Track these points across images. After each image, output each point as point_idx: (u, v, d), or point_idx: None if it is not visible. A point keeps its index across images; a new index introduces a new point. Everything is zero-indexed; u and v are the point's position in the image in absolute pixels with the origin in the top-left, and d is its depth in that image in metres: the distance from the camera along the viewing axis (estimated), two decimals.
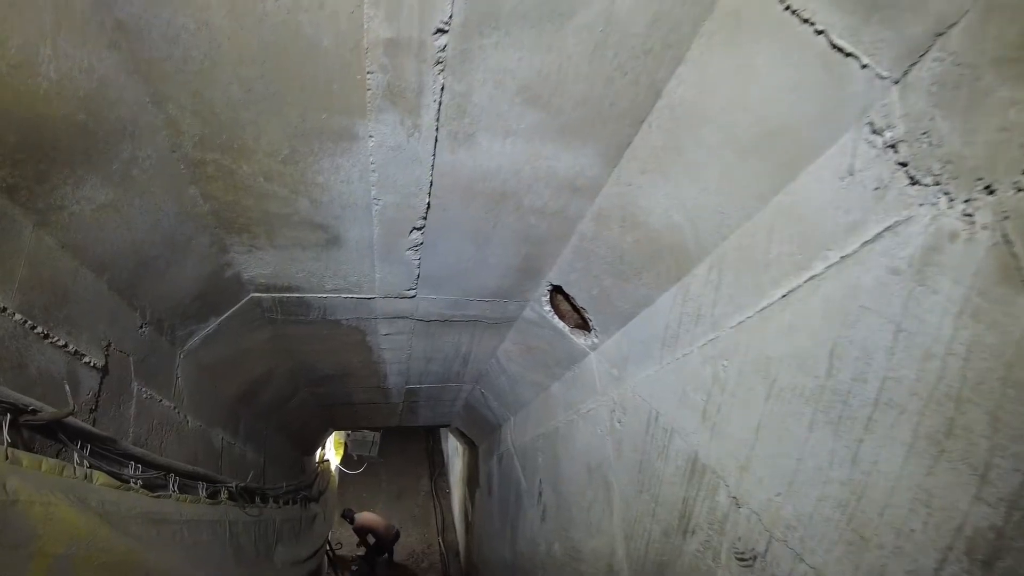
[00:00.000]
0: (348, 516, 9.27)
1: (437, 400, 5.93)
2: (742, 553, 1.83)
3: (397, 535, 9.31)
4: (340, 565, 8.47)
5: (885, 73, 1.26)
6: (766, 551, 1.72)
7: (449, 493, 11.01)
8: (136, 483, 2.19)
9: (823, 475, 1.51)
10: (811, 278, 1.58)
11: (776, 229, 1.69)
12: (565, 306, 3.33)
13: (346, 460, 10.49)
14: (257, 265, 2.75)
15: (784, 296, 1.68)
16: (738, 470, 1.87)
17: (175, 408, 2.90)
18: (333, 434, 9.03)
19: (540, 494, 4.35)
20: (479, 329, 3.87)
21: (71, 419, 1.74)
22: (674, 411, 2.33)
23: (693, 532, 2.15)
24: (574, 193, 2.31)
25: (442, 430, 12.55)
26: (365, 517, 9.24)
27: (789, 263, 1.65)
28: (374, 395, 5.46)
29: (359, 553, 9.32)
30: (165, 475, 2.59)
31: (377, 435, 9.06)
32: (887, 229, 1.32)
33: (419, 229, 2.54)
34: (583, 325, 3.24)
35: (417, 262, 2.86)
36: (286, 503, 5.08)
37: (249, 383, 3.91)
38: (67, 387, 1.85)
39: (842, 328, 1.46)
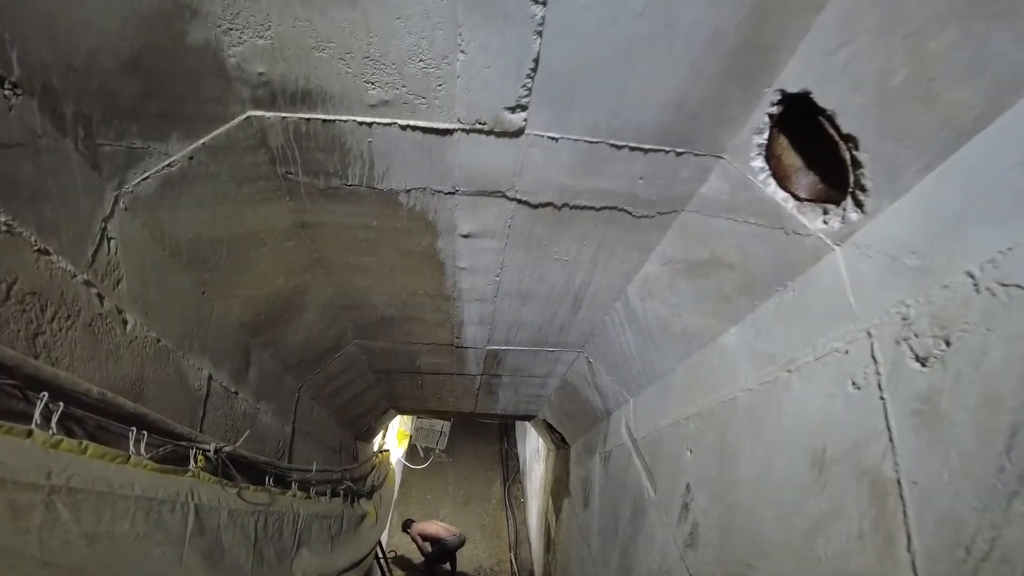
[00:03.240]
0: (407, 527, 8.06)
1: (526, 376, 4.48)
2: None
3: (463, 541, 7.96)
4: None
5: None
6: None
7: (525, 504, 9.53)
8: None
9: None
10: None
11: None
12: (792, 158, 1.80)
13: (409, 454, 9.28)
14: (248, 29, 1.44)
15: None
16: None
17: (95, 290, 1.62)
18: (396, 422, 7.80)
19: (686, 506, 2.78)
20: (615, 231, 2.39)
21: None
22: None
23: None
24: None
25: (519, 431, 11.12)
26: (424, 525, 7.97)
27: None
28: (445, 359, 4.09)
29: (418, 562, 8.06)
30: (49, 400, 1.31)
31: (446, 425, 7.75)
32: None
33: None
34: (833, 190, 1.69)
35: (540, 19, 1.44)
36: (320, 494, 3.79)
37: (265, 302, 2.63)
38: None
39: None
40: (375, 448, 6.50)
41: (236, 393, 2.65)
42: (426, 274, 2.78)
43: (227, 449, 2.19)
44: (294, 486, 3.22)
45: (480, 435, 11.65)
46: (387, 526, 8.26)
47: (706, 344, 2.66)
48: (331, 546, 3.81)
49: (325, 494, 3.94)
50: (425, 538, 7.89)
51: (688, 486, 2.78)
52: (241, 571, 2.39)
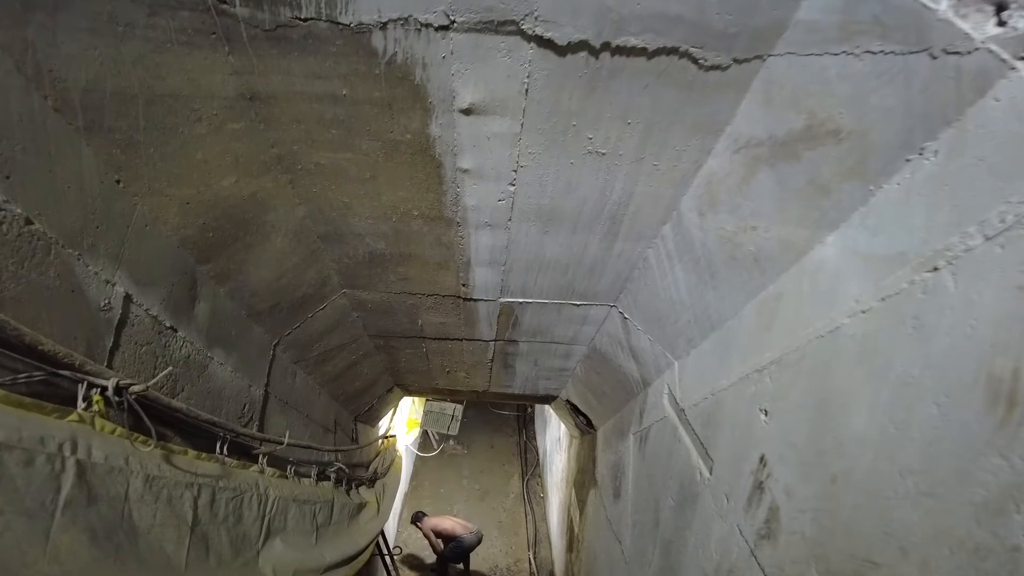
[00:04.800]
0: (417, 520, 7.44)
1: (547, 341, 3.83)
2: None
3: (480, 539, 7.34)
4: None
5: None
6: None
7: (544, 499, 8.87)
8: None
9: None
10: None
11: None
12: None
13: (421, 444, 8.70)
14: None
15: None
16: None
17: None
18: (405, 407, 7.21)
19: (759, 486, 2.10)
20: (671, 97, 1.73)
21: None
22: None
23: None
24: None
25: (539, 424, 10.47)
26: (439, 520, 7.35)
27: None
28: (451, 318, 3.46)
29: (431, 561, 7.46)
30: None
31: (459, 409, 7.13)
32: None
33: None
34: None
35: None
36: (302, 475, 3.19)
37: (211, 211, 2.02)
38: None
39: None
40: (380, 433, 5.91)
41: (174, 330, 2.05)
42: (419, 182, 2.15)
43: (136, 388, 1.58)
44: (262, 460, 2.62)
45: (497, 426, 11.03)
46: (394, 519, 7.67)
47: (789, 267, 1.98)
48: (315, 537, 3.21)
49: (310, 475, 3.35)
50: (439, 534, 7.28)
51: (763, 459, 2.10)
52: (168, 562, 1.78)
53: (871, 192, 1.58)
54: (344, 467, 3.89)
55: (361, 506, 4.37)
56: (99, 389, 1.53)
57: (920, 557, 1.29)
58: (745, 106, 1.74)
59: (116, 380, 1.54)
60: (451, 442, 10.18)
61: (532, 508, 8.87)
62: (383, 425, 6.04)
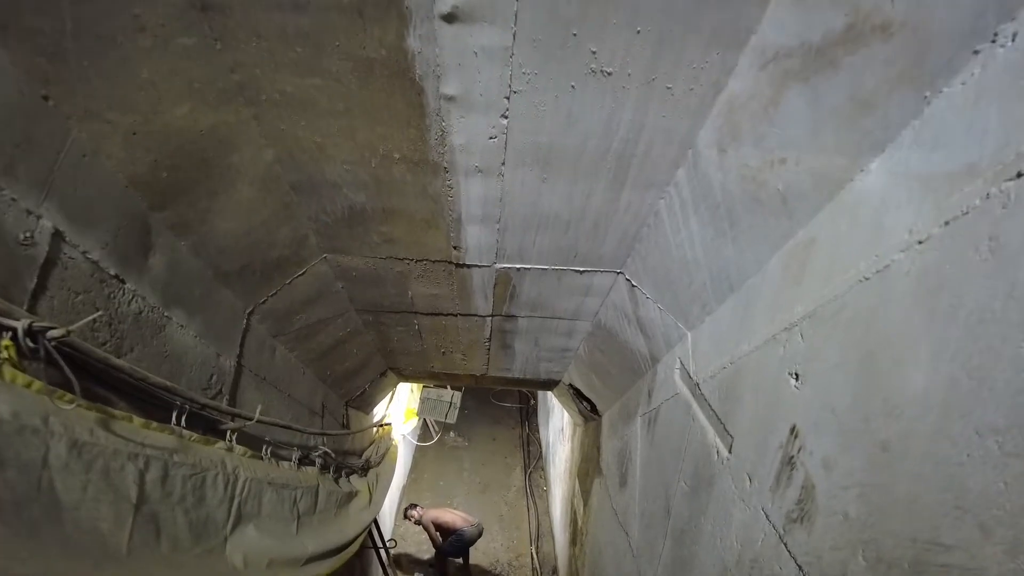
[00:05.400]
0: (412, 514, 7.18)
1: (548, 316, 3.57)
2: None
3: (480, 532, 7.10)
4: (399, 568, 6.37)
5: None
6: None
7: (547, 492, 8.62)
8: None
9: None
10: None
11: None
12: None
13: (421, 436, 8.47)
14: None
15: None
16: None
17: None
18: (403, 396, 6.96)
19: (789, 461, 1.84)
20: (682, 10, 1.47)
21: None
22: None
23: None
24: None
25: (541, 416, 10.22)
26: (438, 512, 7.10)
27: None
28: (444, 288, 3.21)
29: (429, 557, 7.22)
30: None
31: (457, 396, 6.87)
32: None
33: None
34: None
35: None
36: (280, 457, 2.96)
37: (164, 147, 1.77)
38: None
39: None
40: (375, 420, 5.66)
41: (120, 280, 1.80)
42: (399, 114, 1.89)
43: (54, 333, 1.33)
44: (231, 436, 2.37)
45: (499, 418, 10.79)
46: (391, 512, 7.42)
47: (823, 205, 1.72)
48: (296, 526, 2.97)
49: (290, 459, 3.10)
50: (439, 527, 7.02)
51: (794, 430, 1.84)
52: (103, 544, 1.54)
53: (926, 100, 1.32)
54: (331, 452, 3.65)
55: (351, 495, 4.12)
56: (9, 332, 1.28)
57: (1008, 535, 1.03)
58: (773, 7, 1.48)
59: (29, 322, 1.29)
60: (451, 434, 9.93)
61: (534, 502, 8.62)
62: (378, 413, 5.80)
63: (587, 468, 5.42)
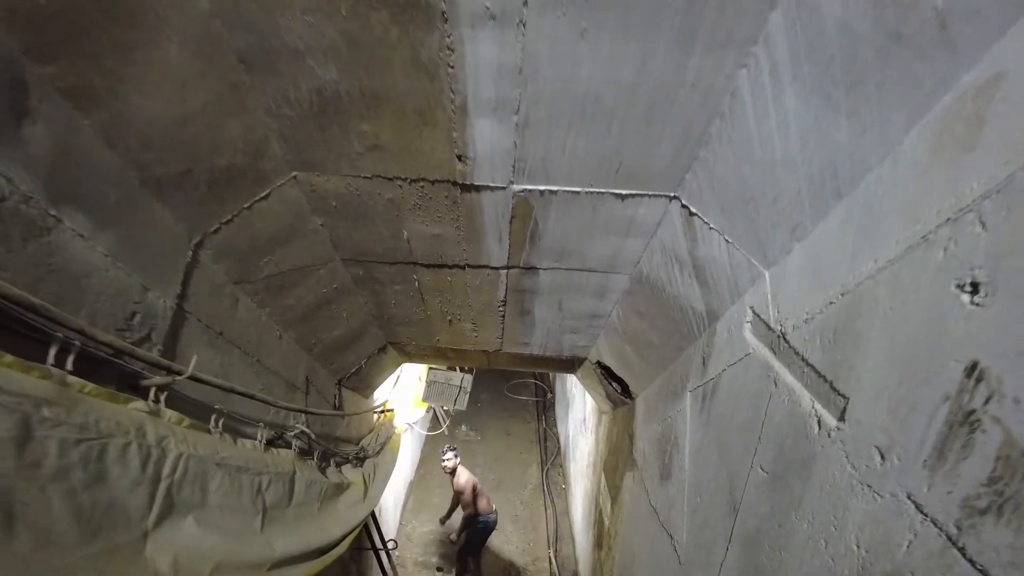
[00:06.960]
0: (448, 458, 6.33)
1: (576, 268, 2.92)
2: None
3: (496, 522, 6.48)
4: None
5: None
6: None
7: (567, 491, 7.95)
8: None
9: None
10: None
11: None
12: None
13: (431, 427, 7.84)
14: None
15: None
16: None
17: None
18: (409, 382, 6.34)
19: (967, 420, 1.17)
20: None
21: None
22: None
23: None
24: None
25: (559, 411, 9.55)
26: (469, 479, 6.33)
27: None
28: (447, 226, 2.57)
29: (452, 538, 6.52)
30: None
31: (467, 379, 6.21)
32: None
33: None
34: None
35: None
36: (237, 434, 2.35)
37: None
38: None
39: None
40: (375, 406, 5.04)
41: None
42: None
43: None
44: (156, 396, 1.76)
45: (514, 412, 10.14)
46: (396, 510, 6.78)
47: (1015, 18, 1.05)
48: (260, 521, 2.34)
49: (257, 438, 2.49)
50: (468, 501, 6.15)
51: (975, 369, 1.17)
52: None
53: None
54: (312, 435, 3.03)
55: (341, 487, 3.50)
56: None
57: None
58: None
59: None
60: (463, 427, 9.31)
61: (552, 501, 7.95)
62: (379, 397, 5.18)
63: (616, 461, 4.75)
